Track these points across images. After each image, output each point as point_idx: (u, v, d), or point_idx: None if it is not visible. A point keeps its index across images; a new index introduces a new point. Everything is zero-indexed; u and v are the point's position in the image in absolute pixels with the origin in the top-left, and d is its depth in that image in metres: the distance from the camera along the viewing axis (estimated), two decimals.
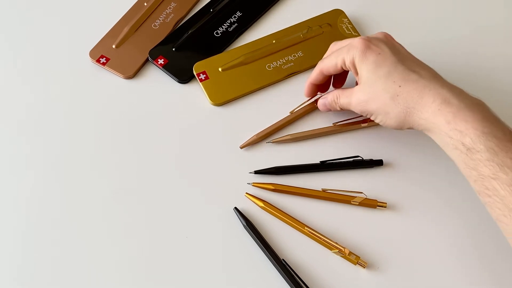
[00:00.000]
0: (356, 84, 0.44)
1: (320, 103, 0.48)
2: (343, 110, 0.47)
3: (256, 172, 0.47)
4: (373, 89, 0.42)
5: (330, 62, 0.45)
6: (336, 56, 0.44)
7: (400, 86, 0.40)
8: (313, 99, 0.50)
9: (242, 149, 0.48)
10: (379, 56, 0.41)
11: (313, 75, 0.47)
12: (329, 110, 0.48)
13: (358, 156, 0.47)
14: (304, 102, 0.50)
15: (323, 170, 0.47)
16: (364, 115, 0.44)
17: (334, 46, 0.46)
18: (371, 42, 0.42)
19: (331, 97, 0.47)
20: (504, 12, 0.59)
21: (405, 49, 0.44)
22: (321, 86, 0.49)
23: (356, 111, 0.44)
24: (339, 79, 0.49)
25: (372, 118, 0.44)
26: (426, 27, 0.57)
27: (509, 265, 0.43)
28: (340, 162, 0.47)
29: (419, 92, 0.40)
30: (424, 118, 0.39)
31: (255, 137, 0.48)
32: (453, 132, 0.38)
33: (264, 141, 0.49)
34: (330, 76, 0.48)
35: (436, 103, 0.39)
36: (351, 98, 0.44)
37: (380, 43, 0.42)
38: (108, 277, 0.42)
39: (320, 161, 0.47)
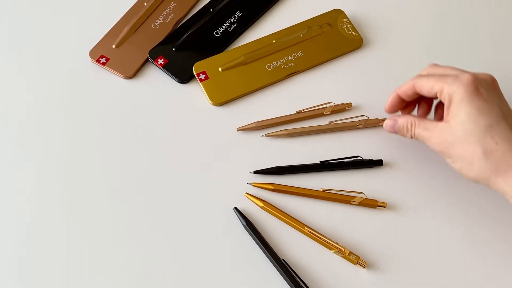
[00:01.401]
0: (438, 118, 0.41)
1: (387, 124, 0.46)
2: (413, 139, 0.44)
3: (256, 172, 0.47)
4: (466, 135, 0.39)
5: (427, 82, 0.41)
6: (437, 80, 0.41)
7: (497, 144, 0.38)
8: (322, 106, 0.50)
9: (243, 148, 0.48)
10: (485, 104, 0.38)
11: (403, 87, 0.44)
12: (396, 133, 0.45)
13: (358, 156, 0.47)
14: (314, 106, 0.50)
15: (323, 170, 0.47)
16: (440, 154, 0.41)
17: (433, 68, 0.43)
18: (480, 85, 0.39)
19: (404, 122, 0.44)
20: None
21: (505, 100, 0.41)
22: (404, 103, 0.46)
23: (432, 147, 0.42)
24: (427, 103, 0.46)
25: (448, 161, 0.41)
26: (427, 27, 0.57)
27: (509, 263, 0.43)
28: (340, 162, 0.47)
29: None
30: None
31: (254, 124, 0.49)
32: None
33: (261, 132, 0.49)
34: (417, 97, 0.44)
35: None
36: (432, 133, 0.41)
37: (488, 89, 0.39)
38: (108, 277, 0.42)
39: (320, 161, 0.47)
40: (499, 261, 0.43)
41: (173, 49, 0.54)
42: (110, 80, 0.52)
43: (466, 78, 0.39)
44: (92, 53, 0.53)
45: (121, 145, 0.48)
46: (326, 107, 0.50)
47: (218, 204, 0.45)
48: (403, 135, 0.45)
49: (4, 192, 0.46)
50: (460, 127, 0.39)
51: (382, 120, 0.49)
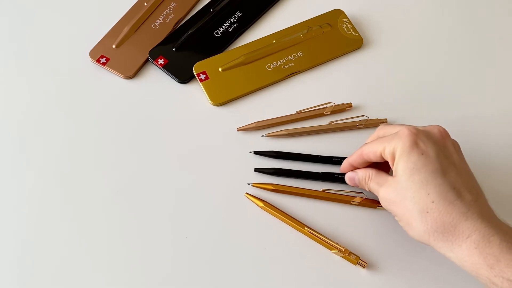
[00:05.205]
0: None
1: (348, 177, 0.43)
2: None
3: (256, 153, 0.47)
4: (403, 193, 0.36)
5: (371, 147, 0.39)
6: (379, 143, 0.38)
7: (433, 202, 0.34)
8: (322, 106, 0.50)
9: (243, 148, 0.48)
10: (421, 158, 0.35)
11: (353, 156, 0.42)
12: (356, 185, 0.43)
13: None
14: (314, 106, 0.50)
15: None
16: (388, 211, 0.39)
17: (381, 130, 0.41)
18: (418, 138, 0.36)
19: (363, 175, 0.41)
20: None
21: (459, 155, 0.37)
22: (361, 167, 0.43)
23: (381, 203, 0.40)
24: (383, 169, 0.41)
25: (396, 219, 0.39)
26: (427, 27, 0.57)
27: None
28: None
29: (453, 218, 0.33)
30: (455, 253, 0.34)
31: (254, 124, 0.49)
32: (499, 279, 0.32)
33: (261, 132, 0.49)
34: (371, 162, 0.41)
35: (471, 240, 0.33)
36: (380, 188, 0.39)
37: (428, 142, 0.36)
38: (108, 278, 0.42)
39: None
40: None
41: (173, 49, 0.54)
42: (110, 80, 0.52)
43: (403, 132, 0.37)
44: (92, 53, 0.53)
45: (121, 145, 0.48)
46: (326, 107, 0.50)
47: (218, 204, 0.45)
48: (363, 187, 0.42)
49: (4, 193, 0.46)
50: (399, 184, 0.37)
51: (382, 120, 0.49)
